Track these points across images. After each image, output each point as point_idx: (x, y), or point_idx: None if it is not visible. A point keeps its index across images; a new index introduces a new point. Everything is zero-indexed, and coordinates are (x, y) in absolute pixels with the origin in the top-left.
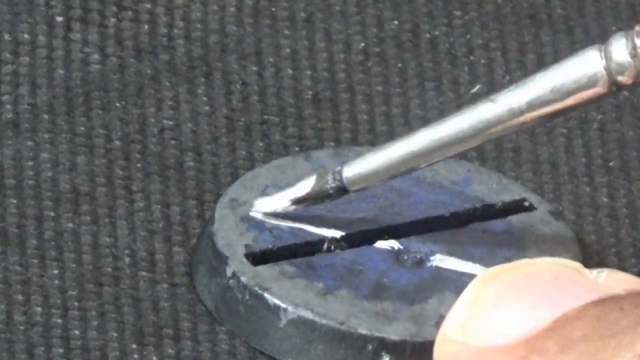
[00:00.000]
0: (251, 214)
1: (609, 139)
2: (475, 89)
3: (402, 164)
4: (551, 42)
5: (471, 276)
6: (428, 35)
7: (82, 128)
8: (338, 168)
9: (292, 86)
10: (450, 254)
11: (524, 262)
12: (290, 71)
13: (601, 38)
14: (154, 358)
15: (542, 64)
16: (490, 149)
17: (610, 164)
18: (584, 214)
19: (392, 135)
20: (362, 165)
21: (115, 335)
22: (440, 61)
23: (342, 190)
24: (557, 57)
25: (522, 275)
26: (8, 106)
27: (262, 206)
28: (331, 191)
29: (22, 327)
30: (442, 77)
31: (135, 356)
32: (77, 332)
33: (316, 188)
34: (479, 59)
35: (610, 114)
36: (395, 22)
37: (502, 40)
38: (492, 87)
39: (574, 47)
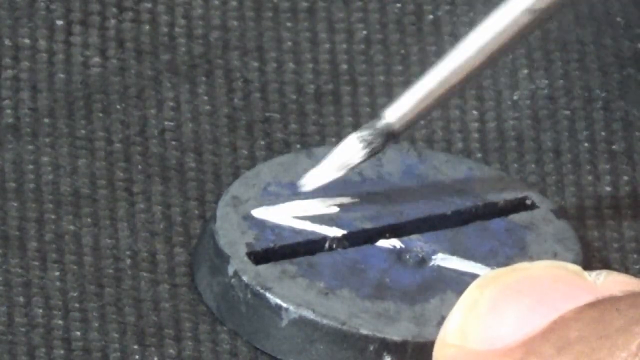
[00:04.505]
0: (253, 212)
1: (613, 118)
2: None
3: (440, 89)
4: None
5: (473, 276)
6: (431, 16)
7: (83, 131)
8: (377, 119)
9: (293, 81)
10: (452, 252)
11: (522, 265)
12: (292, 65)
13: (605, 8)
14: (155, 358)
15: (546, 39)
16: (493, 139)
17: (614, 147)
18: (587, 206)
19: None
20: (402, 105)
21: (117, 336)
22: (444, 44)
23: (391, 136)
24: (561, 30)
25: (520, 278)
26: (9, 111)
27: (310, 182)
28: (380, 143)
29: (23, 329)
30: None
31: (137, 357)
32: (78, 333)
33: (365, 147)
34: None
35: (614, 91)
36: (398, 5)
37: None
38: (495, 68)
39: (578, 22)
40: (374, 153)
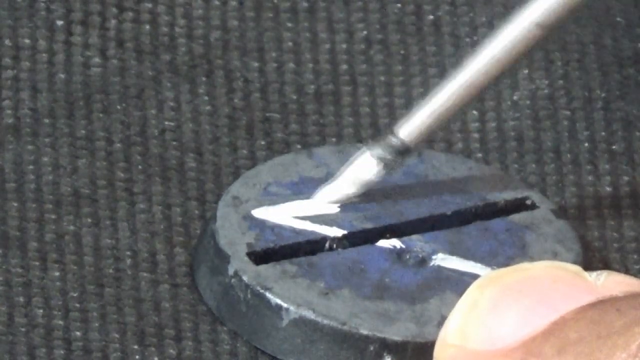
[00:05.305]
0: (253, 212)
1: (613, 118)
2: None
3: (449, 103)
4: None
5: (473, 276)
6: (431, 17)
7: (83, 131)
8: (387, 136)
9: (294, 81)
10: (452, 253)
11: (522, 265)
12: (292, 65)
13: (604, 11)
14: (156, 358)
15: (546, 40)
16: (493, 139)
17: (614, 147)
18: (587, 206)
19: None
20: (414, 121)
21: (117, 336)
22: (443, 45)
23: (406, 151)
24: (561, 30)
25: (520, 279)
26: (9, 111)
27: (325, 197)
28: (395, 159)
29: (23, 329)
30: (445, 62)
31: (137, 357)
32: (78, 333)
33: (380, 164)
34: (482, 39)
35: (614, 91)
36: (398, 5)
37: (506, 17)
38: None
39: (578, 22)
40: (389, 169)
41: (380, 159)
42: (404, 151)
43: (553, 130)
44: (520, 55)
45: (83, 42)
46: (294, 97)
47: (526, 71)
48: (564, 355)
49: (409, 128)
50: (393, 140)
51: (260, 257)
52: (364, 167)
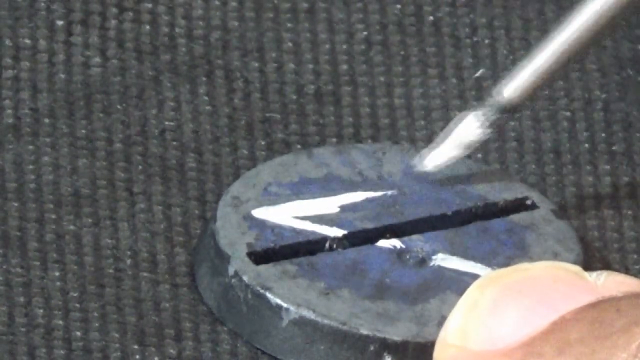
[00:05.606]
0: (253, 212)
1: (613, 119)
2: (478, 74)
3: (554, 61)
4: (556, 18)
5: (473, 276)
6: (431, 18)
7: (83, 131)
8: (491, 98)
9: (294, 81)
10: (453, 253)
11: (523, 266)
12: (292, 65)
13: None
14: (156, 358)
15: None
16: (493, 139)
17: (614, 147)
18: (587, 206)
19: (394, 129)
20: (519, 79)
21: (117, 336)
22: (443, 45)
23: (511, 109)
24: None
25: (521, 279)
26: (9, 111)
27: (431, 162)
28: (498, 118)
29: (23, 329)
30: (445, 62)
31: (137, 357)
32: (78, 333)
33: (483, 124)
34: (482, 40)
35: (614, 92)
36: (398, 6)
37: (506, 17)
38: (496, 70)
39: None
40: (492, 129)
41: (484, 120)
42: (509, 109)
43: (553, 131)
44: (623, 12)
45: (83, 42)
46: (294, 97)
47: None
48: (564, 355)
49: (514, 86)
50: (498, 99)
51: (260, 257)
52: (468, 129)
